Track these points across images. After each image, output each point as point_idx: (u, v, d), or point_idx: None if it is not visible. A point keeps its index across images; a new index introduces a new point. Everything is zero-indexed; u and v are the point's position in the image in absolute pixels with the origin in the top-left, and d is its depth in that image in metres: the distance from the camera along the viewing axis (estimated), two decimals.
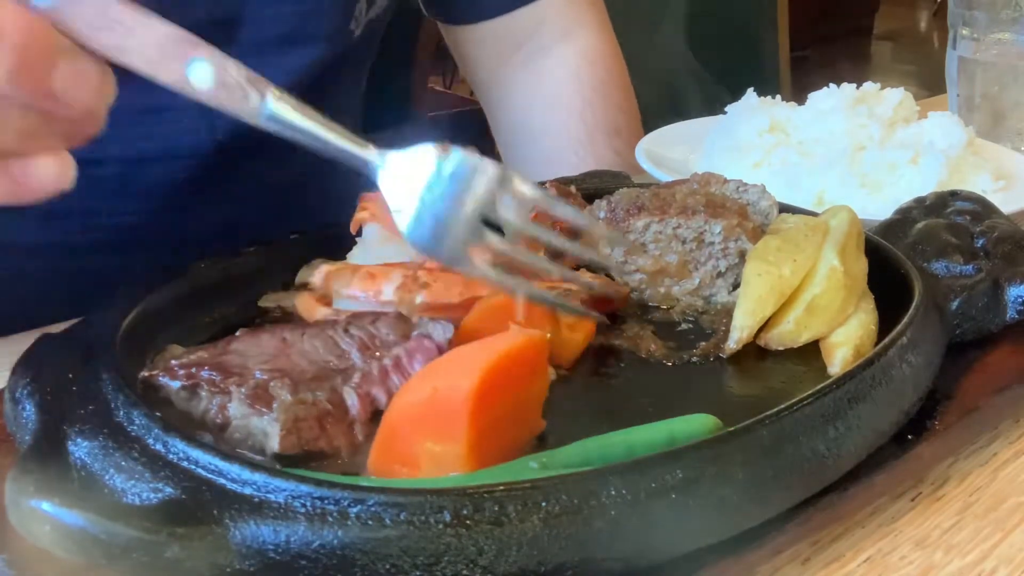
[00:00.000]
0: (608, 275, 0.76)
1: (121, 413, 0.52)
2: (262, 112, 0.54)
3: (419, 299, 0.66)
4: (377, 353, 0.60)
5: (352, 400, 0.57)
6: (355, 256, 0.74)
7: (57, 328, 0.63)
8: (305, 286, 0.76)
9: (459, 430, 0.51)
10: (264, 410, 0.54)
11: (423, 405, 0.52)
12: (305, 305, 0.70)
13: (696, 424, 0.54)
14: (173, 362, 0.58)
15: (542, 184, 0.84)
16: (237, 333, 0.63)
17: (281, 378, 0.57)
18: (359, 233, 0.74)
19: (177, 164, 0.92)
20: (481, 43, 1.21)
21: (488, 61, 1.23)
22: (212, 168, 0.94)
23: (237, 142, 0.92)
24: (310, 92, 1.02)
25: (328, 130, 0.55)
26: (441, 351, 0.60)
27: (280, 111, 0.54)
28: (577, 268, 0.76)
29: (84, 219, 0.92)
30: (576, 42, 1.21)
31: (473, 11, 1.18)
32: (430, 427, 0.52)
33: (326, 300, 0.69)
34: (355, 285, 0.67)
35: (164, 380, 0.57)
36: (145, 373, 0.58)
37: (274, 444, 0.54)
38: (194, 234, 0.88)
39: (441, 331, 0.62)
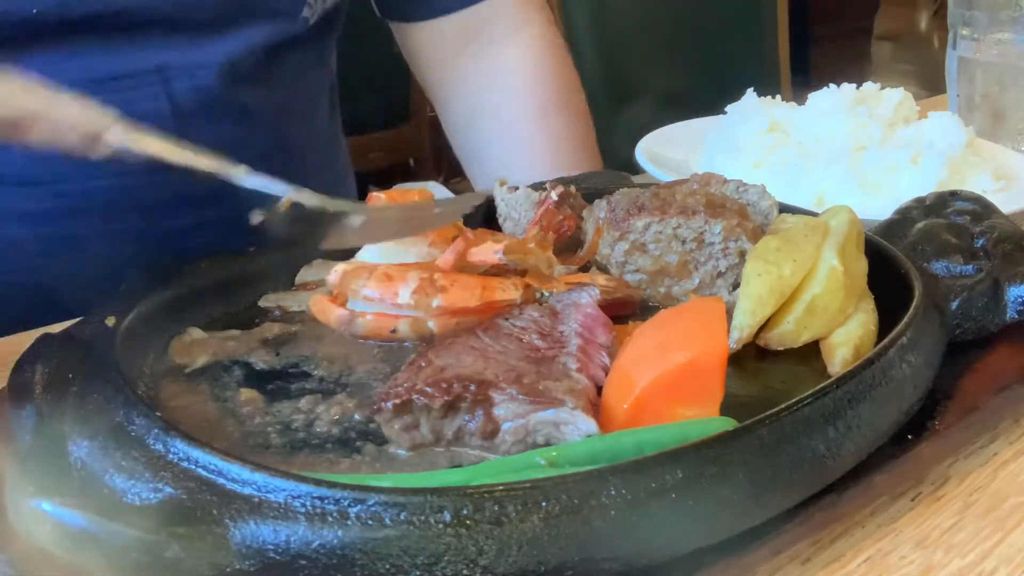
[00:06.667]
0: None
1: (121, 413, 0.53)
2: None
3: (436, 302, 0.66)
4: (553, 336, 0.61)
5: (584, 383, 0.57)
6: (364, 255, 0.73)
7: (57, 328, 0.63)
8: (305, 286, 0.76)
9: (715, 392, 0.56)
10: (544, 401, 0.54)
11: (677, 374, 0.56)
12: (319, 306, 0.69)
13: (711, 428, 0.52)
14: (420, 384, 0.56)
15: (541, 185, 0.84)
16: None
17: (521, 375, 0.56)
18: None
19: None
20: (433, 41, 1.24)
21: (440, 58, 1.26)
22: (174, 133, 0.96)
23: (196, 107, 0.95)
24: (262, 71, 1.05)
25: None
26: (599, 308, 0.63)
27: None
28: (587, 269, 0.77)
29: (52, 186, 0.94)
30: (525, 33, 1.24)
31: (429, 8, 1.21)
32: (685, 394, 0.55)
33: (340, 300, 0.69)
34: (372, 285, 0.67)
35: (422, 401, 0.55)
36: (396, 400, 0.55)
37: (588, 426, 0.54)
38: (160, 199, 0.94)
39: (587, 295, 0.64)
